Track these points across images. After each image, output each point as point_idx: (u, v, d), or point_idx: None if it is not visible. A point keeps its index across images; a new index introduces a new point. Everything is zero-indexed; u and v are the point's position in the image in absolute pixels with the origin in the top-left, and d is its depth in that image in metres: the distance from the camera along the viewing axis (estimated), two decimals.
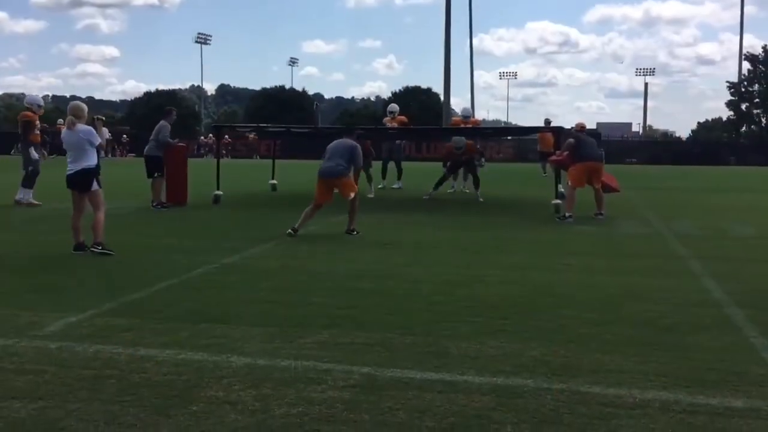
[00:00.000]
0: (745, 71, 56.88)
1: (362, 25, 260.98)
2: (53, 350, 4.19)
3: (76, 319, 4.86)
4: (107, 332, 4.55)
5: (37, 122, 13.13)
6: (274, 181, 16.29)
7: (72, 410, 3.28)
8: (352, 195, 8.88)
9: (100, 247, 7.39)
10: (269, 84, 74.77)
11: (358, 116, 58.71)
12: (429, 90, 63.49)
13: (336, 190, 9.06)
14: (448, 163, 15.17)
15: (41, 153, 13.61)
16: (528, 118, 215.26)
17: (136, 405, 3.34)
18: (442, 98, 58.05)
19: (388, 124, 17.21)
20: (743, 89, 56.01)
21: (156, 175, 12.28)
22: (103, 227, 7.51)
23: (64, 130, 7.72)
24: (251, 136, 39.58)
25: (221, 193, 13.13)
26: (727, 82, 57.94)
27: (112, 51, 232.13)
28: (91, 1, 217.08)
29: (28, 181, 12.58)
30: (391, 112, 17.60)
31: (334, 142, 9.26)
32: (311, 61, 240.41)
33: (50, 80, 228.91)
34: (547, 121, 21.77)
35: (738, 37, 61.83)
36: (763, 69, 55.45)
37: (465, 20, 64.69)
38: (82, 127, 7.58)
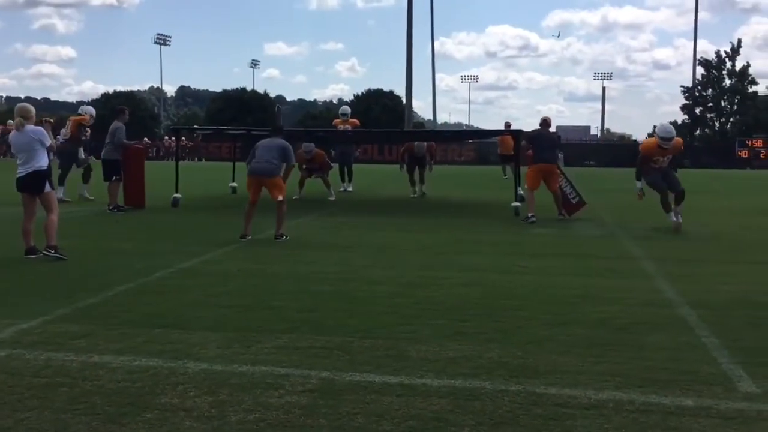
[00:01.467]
0: (699, 76, 58.18)
1: (324, 28, 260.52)
2: (2, 358, 4.08)
3: (27, 326, 4.74)
4: (59, 339, 4.45)
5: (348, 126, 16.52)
6: (234, 184, 16.14)
7: (22, 419, 3.20)
8: (280, 198, 8.76)
9: (53, 251, 7.23)
10: (230, 86, 74.07)
11: (320, 118, 58.52)
12: (391, 93, 63.53)
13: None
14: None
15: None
16: (489, 121, 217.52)
17: (89, 413, 3.27)
18: (404, 101, 58.23)
19: (340, 127, 17.14)
20: (697, 94, 57.31)
21: (114, 178, 12.06)
22: (56, 230, 7.35)
23: (12, 132, 7.53)
24: (184, 140, 38.37)
25: (180, 196, 12.96)
26: (682, 86, 59.25)
27: (68, 51, 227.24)
28: (47, 1, 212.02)
29: (86, 177, 14.28)
30: (344, 115, 17.53)
31: (265, 140, 9.07)
32: (273, 63, 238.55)
33: (4, 81, 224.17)
34: (507, 124, 22.06)
35: (692, 43, 63.25)
36: (716, 74, 56.82)
37: (427, 24, 65.05)
38: (31, 127, 7.41)
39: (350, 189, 17.18)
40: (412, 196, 15.57)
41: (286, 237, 8.79)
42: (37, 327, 4.73)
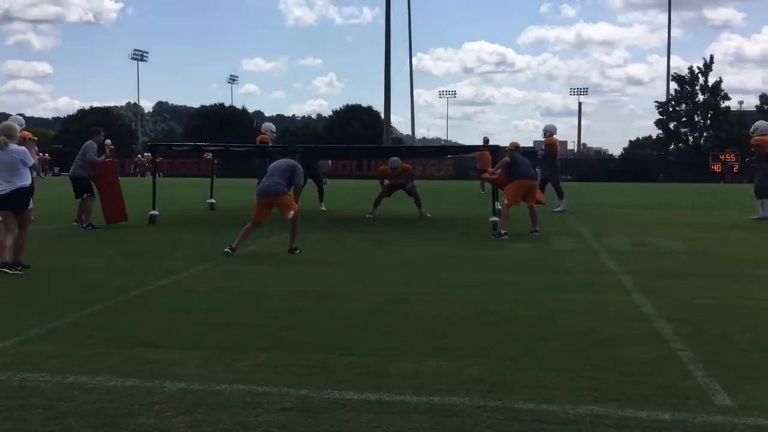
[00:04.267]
0: (672, 91, 59.18)
1: (302, 43, 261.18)
2: None
3: (0, 346, 4.67)
4: (33, 359, 4.38)
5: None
6: (213, 201, 16.08)
7: None
8: (292, 213, 8.81)
9: (20, 268, 7.38)
10: (208, 102, 73.89)
11: (299, 134, 58.58)
12: (370, 108, 63.88)
13: (275, 209, 9.00)
14: None
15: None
16: (467, 136, 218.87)
17: None
18: (382, 116, 58.46)
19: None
20: (671, 109, 58.22)
21: (85, 195, 11.97)
22: (26, 247, 7.52)
23: None
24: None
25: (157, 213, 12.86)
26: (656, 101, 60.25)
27: (44, 67, 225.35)
28: (23, 17, 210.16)
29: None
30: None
31: (277, 161, 9.29)
32: (251, 78, 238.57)
33: None
34: (486, 140, 22.27)
35: (665, 59, 64.33)
36: (689, 89, 57.78)
37: (404, 40, 65.50)
38: (14, 147, 7.49)
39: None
40: (368, 215, 14.55)
41: (300, 251, 8.81)
42: (11, 347, 4.66)
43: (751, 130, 15.34)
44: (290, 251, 8.85)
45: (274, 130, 17.16)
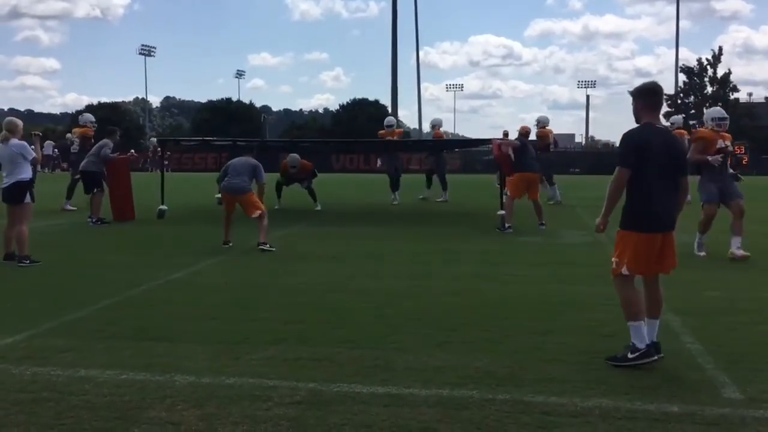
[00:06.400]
0: (681, 83, 58.79)
1: (308, 38, 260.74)
2: None
3: (12, 340, 4.70)
4: (45, 353, 4.42)
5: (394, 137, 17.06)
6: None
7: None
8: (257, 213, 8.86)
9: (27, 261, 7.52)
10: (216, 96, 73.99)
11: (306, 129, 58.64)
12: (377, 102, 63.70)
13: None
14: None
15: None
16: (475, 129, 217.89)
17: (75, 428, 3.26)
18: (389, 110, 58.37)
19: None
20: (679, 101, 57.85)
21: (95, 190, 12.04)
22: (27, 240, 7.64)
23: None
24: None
25: (166, 207, 12.89)
26: (665, 94, 59.89)
27: (52, 63, 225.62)
28: (31, 13, 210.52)
29: (396, 184, 16.41)
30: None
31: (236, 159, 9.36)
32: (258, 73, 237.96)
33: None
34: (505, 133, 22.20)
35: (672, 51, 64.00)
36: (698, 81, 57.40)
37: (410, 33, 65.34)
38: (15, 141, 7.69)
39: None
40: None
41: (271, 247, 8.75)
42: (23, 341, 4.70)
43: (536, 123, 16.96)
44: (260, 245, 8.73)
45: (393, 124, 17.44)
